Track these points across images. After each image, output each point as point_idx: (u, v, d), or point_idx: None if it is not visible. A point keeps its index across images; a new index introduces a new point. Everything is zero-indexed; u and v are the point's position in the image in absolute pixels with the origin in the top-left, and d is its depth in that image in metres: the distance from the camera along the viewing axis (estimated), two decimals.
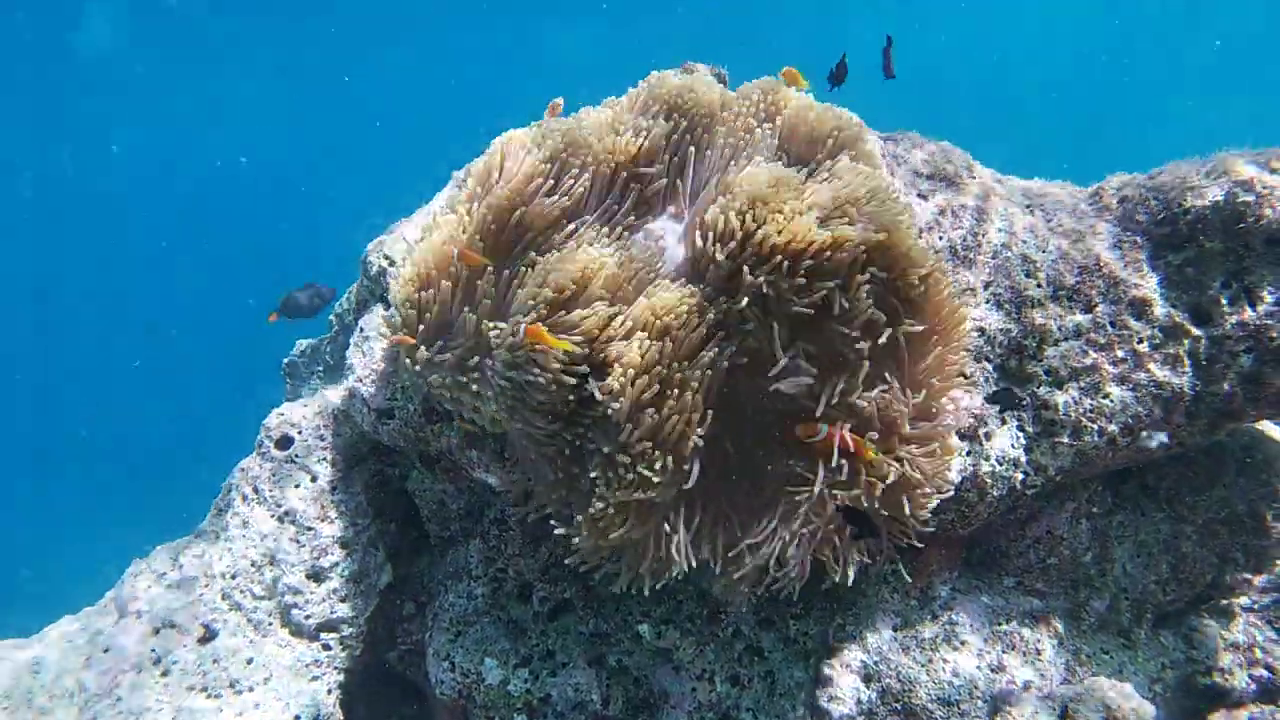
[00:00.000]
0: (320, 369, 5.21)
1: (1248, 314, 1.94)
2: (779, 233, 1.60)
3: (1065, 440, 1.97)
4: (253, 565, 2.41)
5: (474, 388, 1.82)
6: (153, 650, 2.33)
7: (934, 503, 1.77)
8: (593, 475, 1.73)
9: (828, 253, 1.61)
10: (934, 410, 1.82)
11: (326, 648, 2.37)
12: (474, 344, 1.83)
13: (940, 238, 2.08)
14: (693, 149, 1.88)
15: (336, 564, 2.39)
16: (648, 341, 1.64)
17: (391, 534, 2.55)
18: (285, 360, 5.30)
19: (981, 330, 2.03)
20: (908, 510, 1.67)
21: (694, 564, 1.79)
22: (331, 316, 5.09)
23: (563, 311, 1.70)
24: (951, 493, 1.87)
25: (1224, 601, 2.34)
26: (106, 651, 2.34)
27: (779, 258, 1.61)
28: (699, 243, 1.70)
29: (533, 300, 1.69)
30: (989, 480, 2.01)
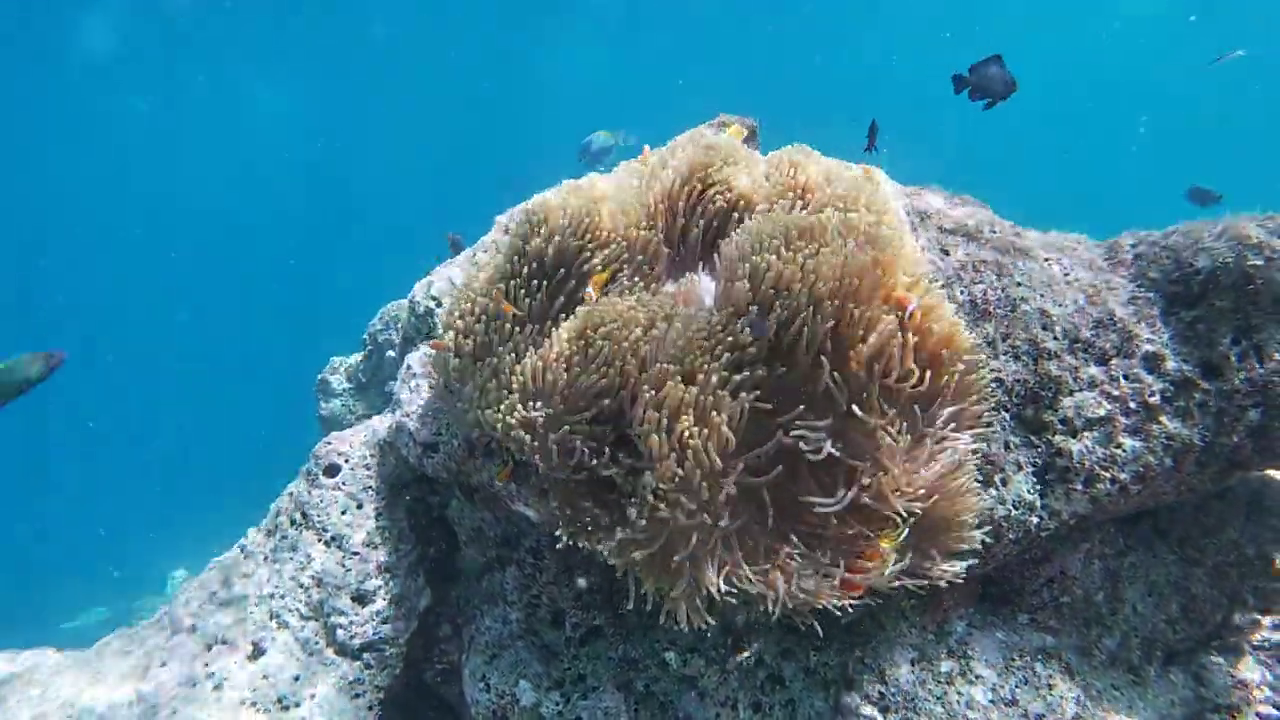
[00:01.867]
0: (352, 386, 5.37)
1: (1256, 370, 2.03)
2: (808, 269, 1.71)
3: (1079, 487, 2.07)
4: (300, 587, 2.54)
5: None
6: (205, 665, 2.47)
7: (964, 561, 1.87)
8: (624, 504, 1.84)
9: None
10: (951, 459, 1.92)
11: (369, 667, 2.50)
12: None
13: (962, 291, 2.19)
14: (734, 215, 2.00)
15: (380, 587, 2.52)
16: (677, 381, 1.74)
17: (431, 559, 2.68)
18: (319, 377, 5.48)
19: (999, 380, 2.13)
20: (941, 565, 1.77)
21: (721, 593, 1.89)
22: (365, 336, 5.26)
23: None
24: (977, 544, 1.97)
25: (1233, 641, 2.43)
26: (163, 666, 2.48)
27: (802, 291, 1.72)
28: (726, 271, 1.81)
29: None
30: (1005, 524, 2.11)
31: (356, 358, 5.45)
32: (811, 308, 1.73)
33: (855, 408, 1.74)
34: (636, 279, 2.05)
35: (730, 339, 1.75)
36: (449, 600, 2.72)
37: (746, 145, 2.39)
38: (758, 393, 1.77)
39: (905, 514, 1.75)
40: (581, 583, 2.46)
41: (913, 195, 2.42)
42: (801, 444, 1.76)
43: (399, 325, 5.19)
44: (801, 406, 1.79)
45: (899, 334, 1.77)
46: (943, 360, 1.83)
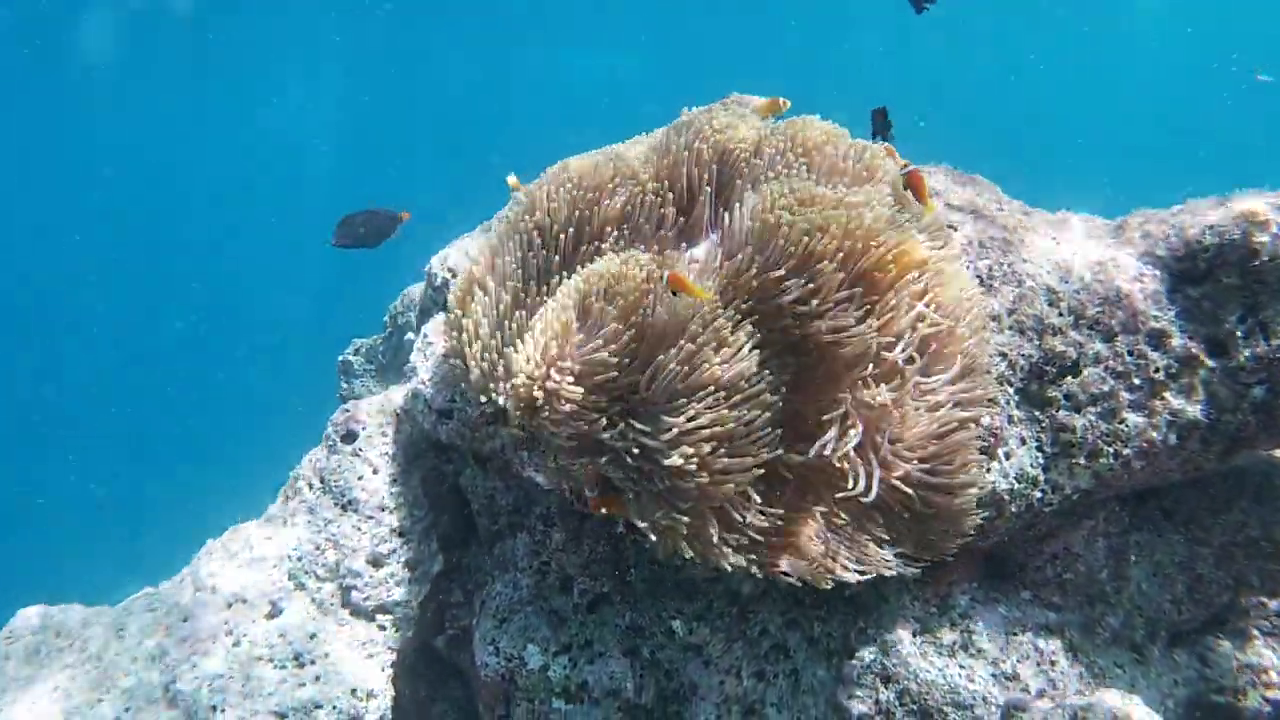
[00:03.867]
0: (373, 367, 5.47)
1: (1261, 347, 2.03)
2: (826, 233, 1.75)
3: (1082, 461, 2.09)
4: (317, 549, 2.62)
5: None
6: (225, 623, 2.55)
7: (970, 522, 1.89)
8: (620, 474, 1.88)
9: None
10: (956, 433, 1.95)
11: (382, 628, 2.57)
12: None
13: (968, 266, 2.21)
14: (742, 178, 2.05)
15: (394, 551, 2.59)
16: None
17: (444, 525, 2.75)
18: (340, 358, 5.58)
19: (1004, 355, 2.16)
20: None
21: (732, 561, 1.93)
22: (386, 318, 5.35)
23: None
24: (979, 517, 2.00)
25: (1239, 624, 2.42)
26: (185, 621, 2.56)
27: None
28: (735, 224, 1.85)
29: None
30: (1007, 497, 2.13)
31: (377, 339, 5.55)
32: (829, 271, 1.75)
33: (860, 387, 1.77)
34: (641, 245, 2.10)
35: (754, 313, 1.79)
36: (461, 567, 2.79)
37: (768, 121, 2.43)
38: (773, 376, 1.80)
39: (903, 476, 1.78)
40: (588, 548, 2.51)
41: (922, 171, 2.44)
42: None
43: (417, 305, 5.28)
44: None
45: (917, 305, 1.80)
46: (953, 330, 1.86)
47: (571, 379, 1.80)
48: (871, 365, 1.83)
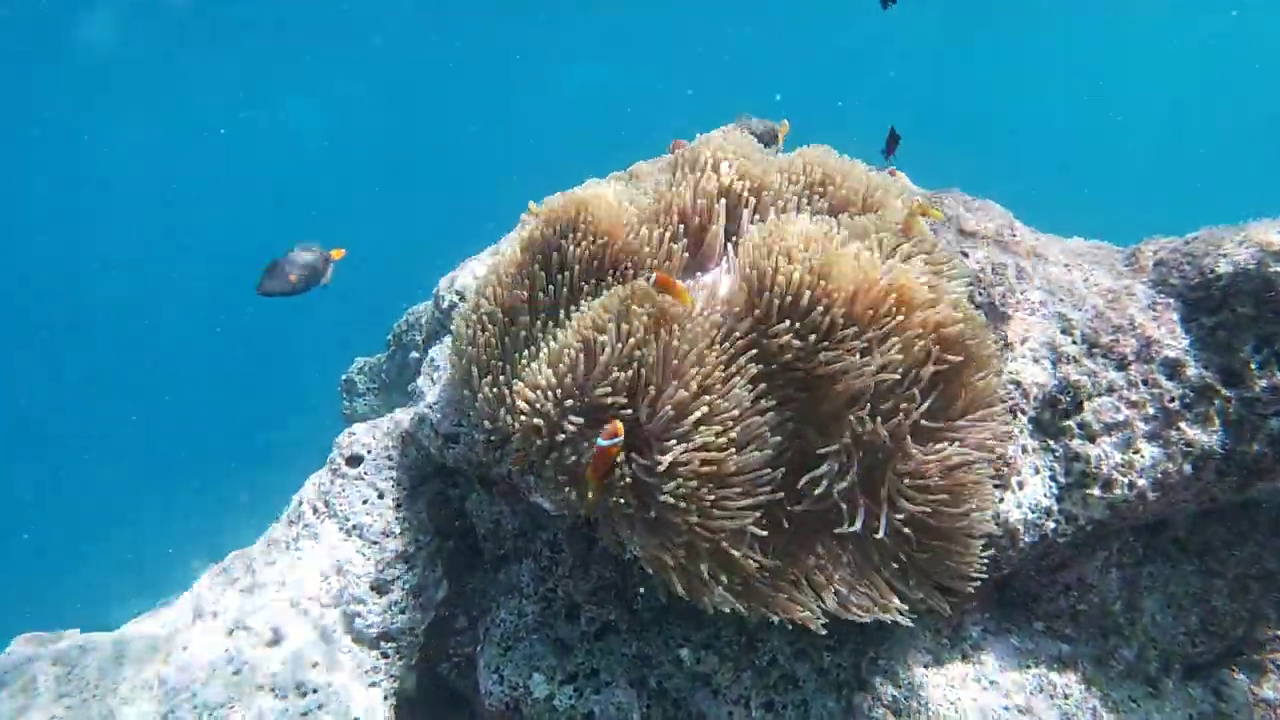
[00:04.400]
0: (376, 385, 5.45)
1: (1277, 378, 2.02)
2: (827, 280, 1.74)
3: (1096, 492, 2.07)
4: (320, 575, 2.58)
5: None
6: (226, 650, 2.51)
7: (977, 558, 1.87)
8: (618, 498, 1.86)
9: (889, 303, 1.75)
10: (970, 460, 1.92)
11: (385, 656, 2.53)
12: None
13: (981, 294, 2.20)
14: (747, 212, 2.04)
15: (398, 577, 2.55)
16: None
17: (449, 551, 2.72)
18: (343, 376, 5.57)
19: (1017, 383, 2.14)
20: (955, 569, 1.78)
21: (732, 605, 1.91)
22: (389, 336, 5.34)
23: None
24: (991, 535, 1.97)
25: (1255, 657, 2.39)
26: (185, 649, 2.53)
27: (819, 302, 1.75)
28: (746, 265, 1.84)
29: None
30: (1020, 528, 2.10)
31: (380, 358, 5.53)
32: (836, 317, 1.74)
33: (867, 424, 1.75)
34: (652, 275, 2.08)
35: (754, 349, 1.78)
36: (465, 592, 2.75)
37: (779, 146, 2.43)
38: (775, 406, 1.79)
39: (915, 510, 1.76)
40: (595, 575, 2.48)
41: (933, 198, 2.44)
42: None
43: (421, 326, 5.26)
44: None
45: (920, 341, 1.78)
46: (961, 364, 1.84)
47: (576, 415, 1.79)
48: (876, 402, 1.81)
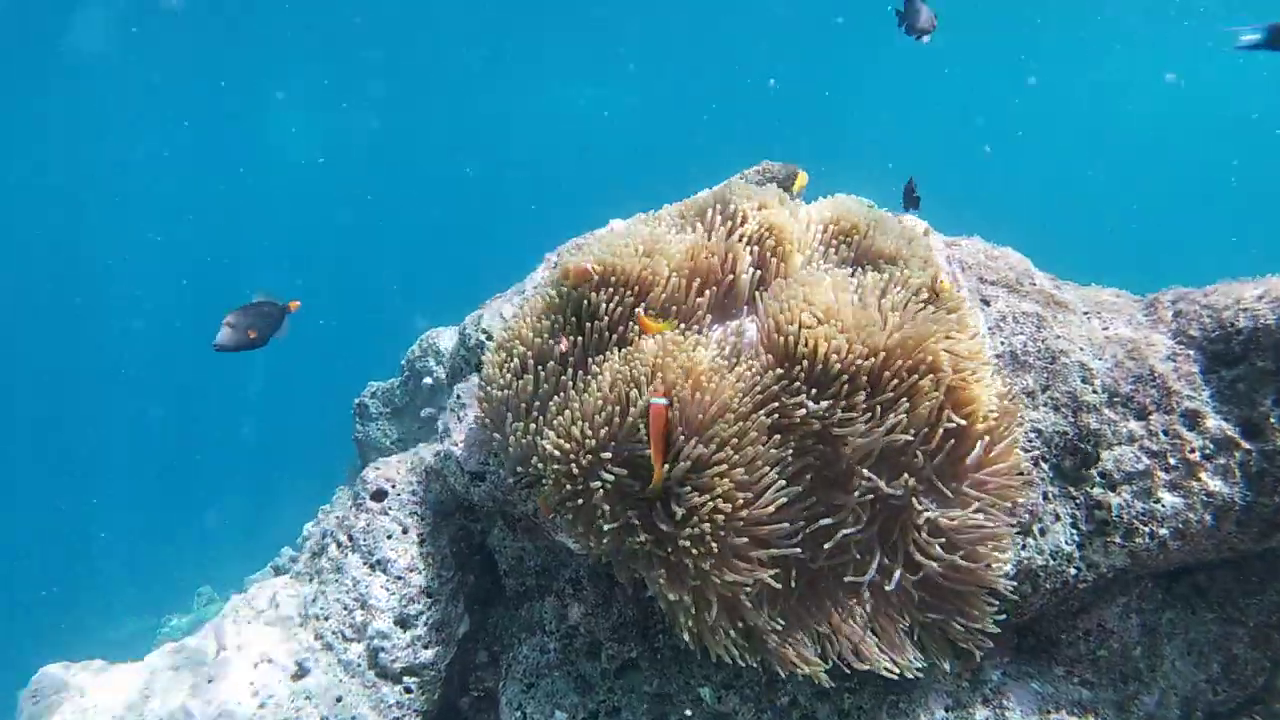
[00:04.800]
0: (388, 410, 5.49)
1: None
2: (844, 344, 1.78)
3: (1117, 540, 2.09)
4: (345, 609, 2.61)
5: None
6: (250, 684, 2.54)
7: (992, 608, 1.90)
8: (641, 540, 1.90)
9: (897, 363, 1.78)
10: (988, 509, 1.95)
11: (408, 691, 2.55)
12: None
13: (1001, 342, 2.24)
14: (774, 260, 2.08)
15: (422, 613, 2.58)
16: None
17: (470, 586, 2.74)
18: (356, 400, 5.60)
19: (1038, 431, 2.17)
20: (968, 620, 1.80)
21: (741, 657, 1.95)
22: (403, 362, 5.38)
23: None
24: (1008, 587, 1.99)
25: (1276, 706, 2.40)
26: (210, 682, 2.55)
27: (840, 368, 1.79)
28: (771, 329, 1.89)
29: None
30: (1042, 574, 2.13)
31: (393, 382, 5.57)
32: (860, 378, 1.78)
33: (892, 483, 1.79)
34: (679, 323, 2.13)
35: (774, 402, 1.82)
36: (486, 627, 2.77)
37: (795, 193, 2.47)
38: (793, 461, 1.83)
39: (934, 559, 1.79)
40: (616, 613, 2.50)
41: (953, 245, 2.48)
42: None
43: (435, 352, 5.30)
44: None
45: (940, 399, 1.82)
46: (981, 420, 1.88)
47: (613, 466, 1.84)
48: (894, 457, 1.85)
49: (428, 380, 5.16)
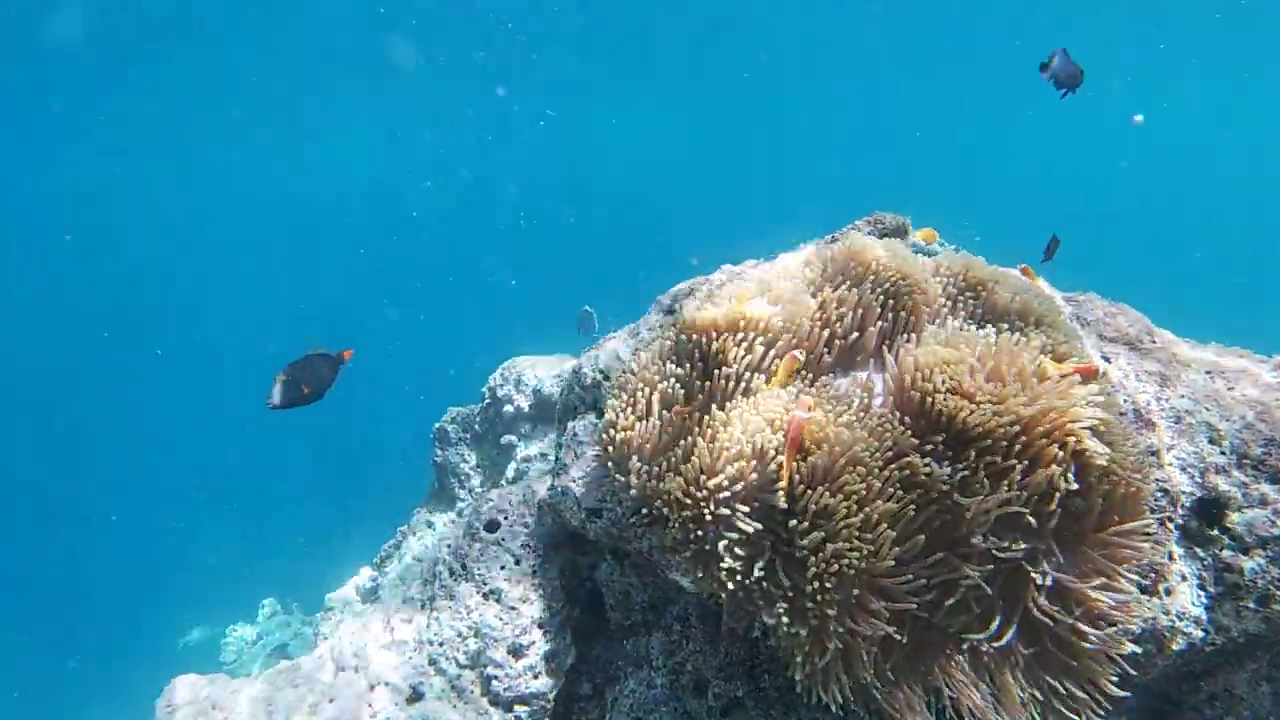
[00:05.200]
0: (468, 436, 5.63)
1: None
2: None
3: (1251, 605, 2.07)
4: (459, 636, 2.70)
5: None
6: (369, 705, 2.64)
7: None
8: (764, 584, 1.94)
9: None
10: (1115, 571, 1.96)
11: (519, 719, 2.62)
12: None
13: (1125, 400, 2.25)
14: (903, 314, 2.13)
15: (534, 643, 2.65)
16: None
17: (576, 618, 2.81)
18: (436, 425, 5.76)
19: (1165, 491, 2.17)
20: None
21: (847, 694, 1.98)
22: (484, 389, 5.53)
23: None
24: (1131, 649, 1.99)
25: None
26: (331, 701, 2.65)
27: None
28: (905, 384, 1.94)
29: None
30: (1168, 635, 2.12)
31: (474, 409, 5.71)
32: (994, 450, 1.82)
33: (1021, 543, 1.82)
34: (808, 374, 2.19)
35: (906, 473, 1.87)
36: (589, 659, 2.83)
37: (909, 243, 2.53)
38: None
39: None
40: (724, 651, 2.54)
41: (1071, 301, 2.50)
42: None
43: (517, 381, 5.42)
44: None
45: (1066, 463, 1.84)
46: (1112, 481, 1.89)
47: (740, 517, 1.90)
48: (1017, 519, 1.88)
49: (508, 409, 5.29)
